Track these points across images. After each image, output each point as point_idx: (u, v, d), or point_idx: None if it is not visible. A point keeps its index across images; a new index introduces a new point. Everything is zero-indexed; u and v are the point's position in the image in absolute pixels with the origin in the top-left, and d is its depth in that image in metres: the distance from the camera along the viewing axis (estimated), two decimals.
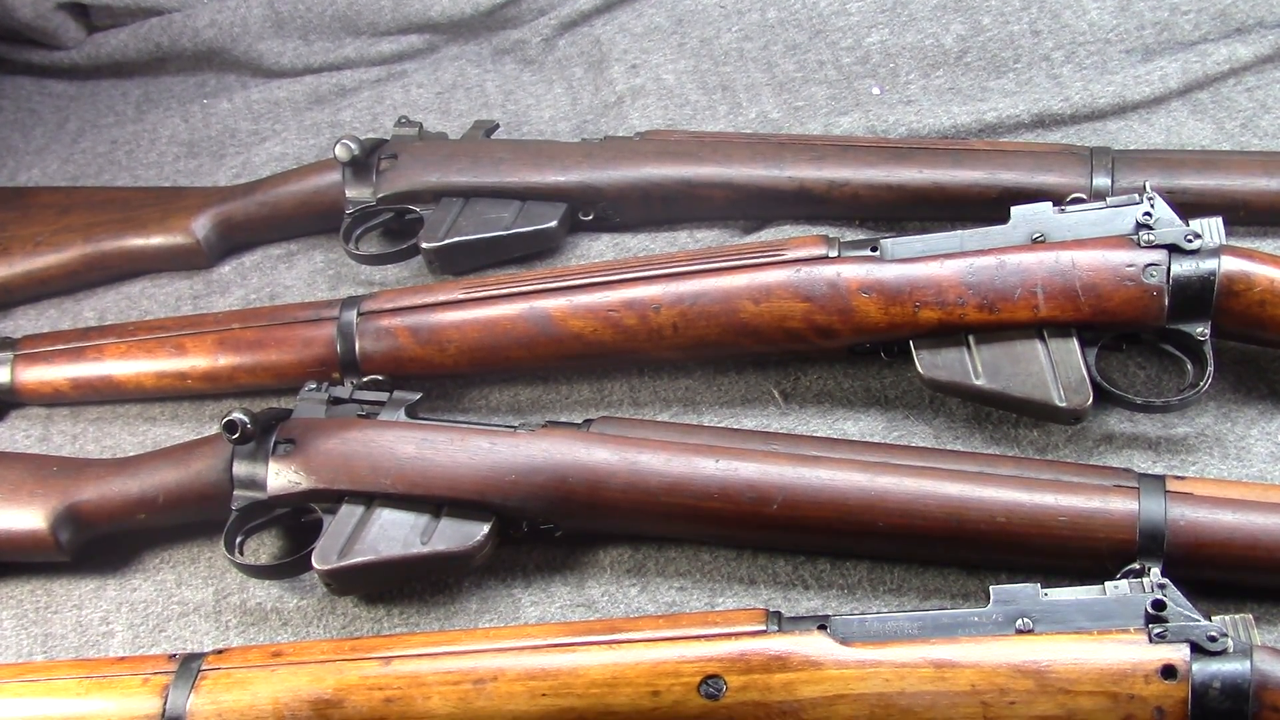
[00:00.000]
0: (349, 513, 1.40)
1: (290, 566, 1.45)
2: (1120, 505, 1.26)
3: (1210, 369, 1.38)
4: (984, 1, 2.00)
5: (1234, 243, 1.41)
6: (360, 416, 1.46)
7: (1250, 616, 1.12)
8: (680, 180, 1.72)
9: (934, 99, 1.92)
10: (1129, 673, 1.09)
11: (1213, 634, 1.10)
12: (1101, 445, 1.45)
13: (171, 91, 2.34)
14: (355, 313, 1.59)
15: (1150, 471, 1.34)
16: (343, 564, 1.37)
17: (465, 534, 1.38)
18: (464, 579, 1.45)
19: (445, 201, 1.77)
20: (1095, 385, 1.39)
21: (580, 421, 1.43)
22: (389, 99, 2.18)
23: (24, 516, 1.49)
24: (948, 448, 1.47)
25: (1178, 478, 1.30)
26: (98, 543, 1.53)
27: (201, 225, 1.87)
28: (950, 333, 1.43)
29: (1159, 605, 1.12)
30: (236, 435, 1.40)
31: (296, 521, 1.48)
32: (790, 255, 1.48)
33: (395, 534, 1.38)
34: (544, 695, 1.18)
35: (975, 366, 1.42)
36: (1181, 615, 1.11)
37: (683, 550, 1.44)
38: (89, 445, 1.71)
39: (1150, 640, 1.10)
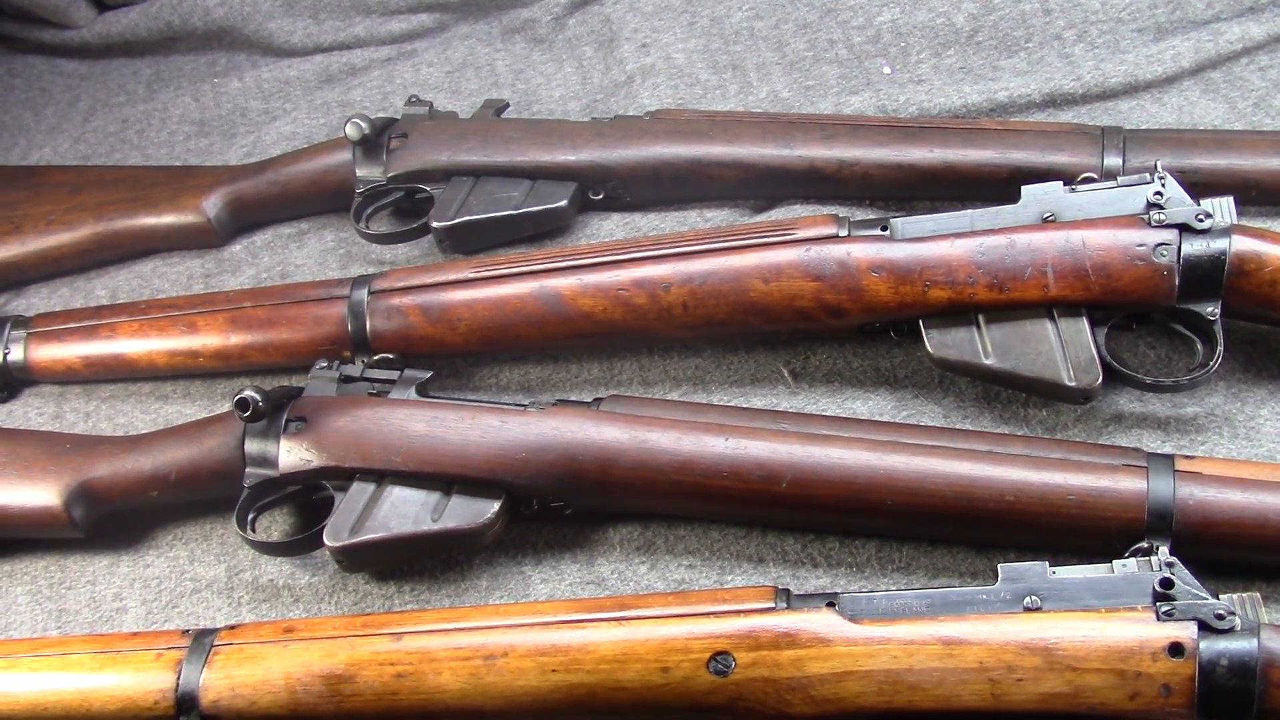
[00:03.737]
0: (360, 490, 1.41)
1: (302, 543, 1.45)
2: (1129, 484, 1.27)
3: (1220, 349, 1.38)
4: None
5: (1245, 222, 1.40)
6: (371, 395, 1.47)
7: (1258, 595, 1.13)
8: (690, 159, 1.72)
9: (945, 78, 1.92)
10: (1136, 650, 1.10)
11: (1220, 612, 1.10)
12: (1111, 425, 1.46)
13: (182, 70, 2.34)
14: (366, 291, 1.59)
15: (1159, 451, 1.34)
16: (354, 541, 1.38)
17: (476, 511, 1.39)
18: (474, 556, 1.46)
19: (455, 180, 1.77)
20: (1105, 365, 1.39)
21: (590, 400, 1.43)
22: (399, 78, 2.18)
23: (38, 493, 1.50)
24: (957, 427, 1.47)
25: (1186, 457, 1.30)
26: (111, 519, 1.54)
27: (213, 204, 1.88)
28: (960, 312, 1.43)
29: (1167, 583, 1.13)
30: (248, 413, 1.41)
31: (308, 499, 1.49)
32: (800, 234, 1.48)
33: (406, 511, 1.39)
34: (554, 671, 1.19)
35: (985, 346, 1.42)
36: (1189, 593, 1.12)
37: (692, 528, 1.45)
38: (102, 423, 1.72)
39: (1158, 618, 1.11)
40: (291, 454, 1.43)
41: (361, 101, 2.15)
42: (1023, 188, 1.45)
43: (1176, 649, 1.09)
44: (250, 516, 1.46)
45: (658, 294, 1.50)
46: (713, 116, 1.77)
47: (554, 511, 1.43)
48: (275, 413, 1.45)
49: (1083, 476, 1.28)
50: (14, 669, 1.30)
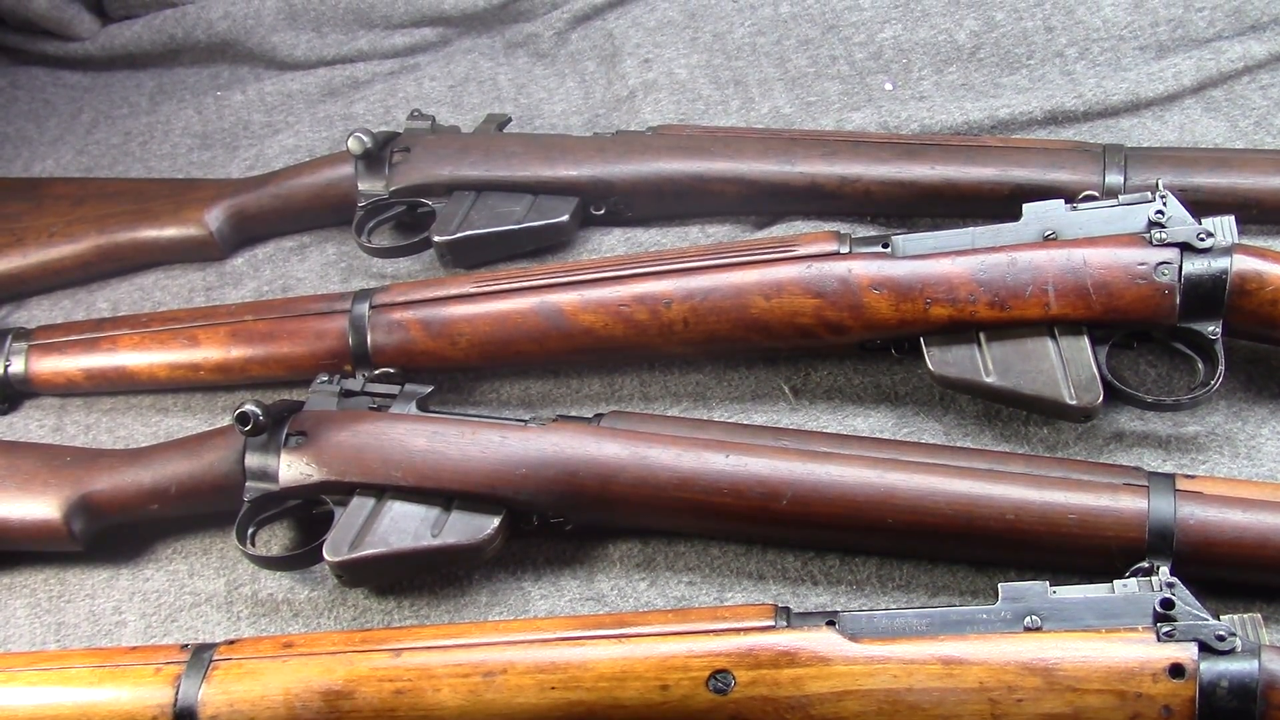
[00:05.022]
0: (360, 505, 1.41)
1: (302, 558, 1.45)
2: (1130, 503, 1.26)
3: (1221, 368, 1.38)
4: None
5: (1246, 241, 1.40)
6: (372, 409, 1.47)
7: (1259, 616, 1.13)
8: (692, 175, 1.72)
9: (947, 95, 1.92)
10: (1137, 671, 1.10)
11: (1221, 633, 1.10)
12: (1111, 443, 1.45)
13: (185, 83, 2.35)
14: (367, 306, 1.59)
15: (1160, 470, 1.34)
16: (354, 556, 1.38)
17: (475, 527, 1.39)
18: (474, 572, 1.46)
19: (457, 195, 1.77)
20: (1106, 383, 1.39)
21: (591, 416, 1.43)
22: (402, 92, 2.18)
23: (38, 506, 1.50)
24: (958, 445, 1.47)
25: (1188, 476, 1.30)
26: (110, 533, 1.54)
27: (214, 217, 1.88)
28: (961, 330, 1.43)
29: (1167, 604, 1.12)
30: (249, 427, 1.41)
31: (308, 513, 1.49)
32: (801, 251, 1.48)
33: (406, 526, 1.39)
34: (553, 688, 1.19)
35: (986, 364, 1.42)
36: (1190, 614, 1.12)
37: (692, 545, 1.45)
38: (102, 436, 1.71)
39: (1158, 639, 1.11)
40: (292, 468, 1.43)
41: (364, 115, 2.15)
42: (1024, 205, 1.45)
43: (1177, 670, 1.09)
44: (250, 530, 1.46)
45: (659, 310, 1.50)
46: (714, 132, 1.77)
47: (554, 527, 1.42)
48: (276, 427, 1.45)
49: (1083, 495, 1.28)
50: (12, 683, 1.29)
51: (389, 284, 1.68)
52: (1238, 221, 1.40)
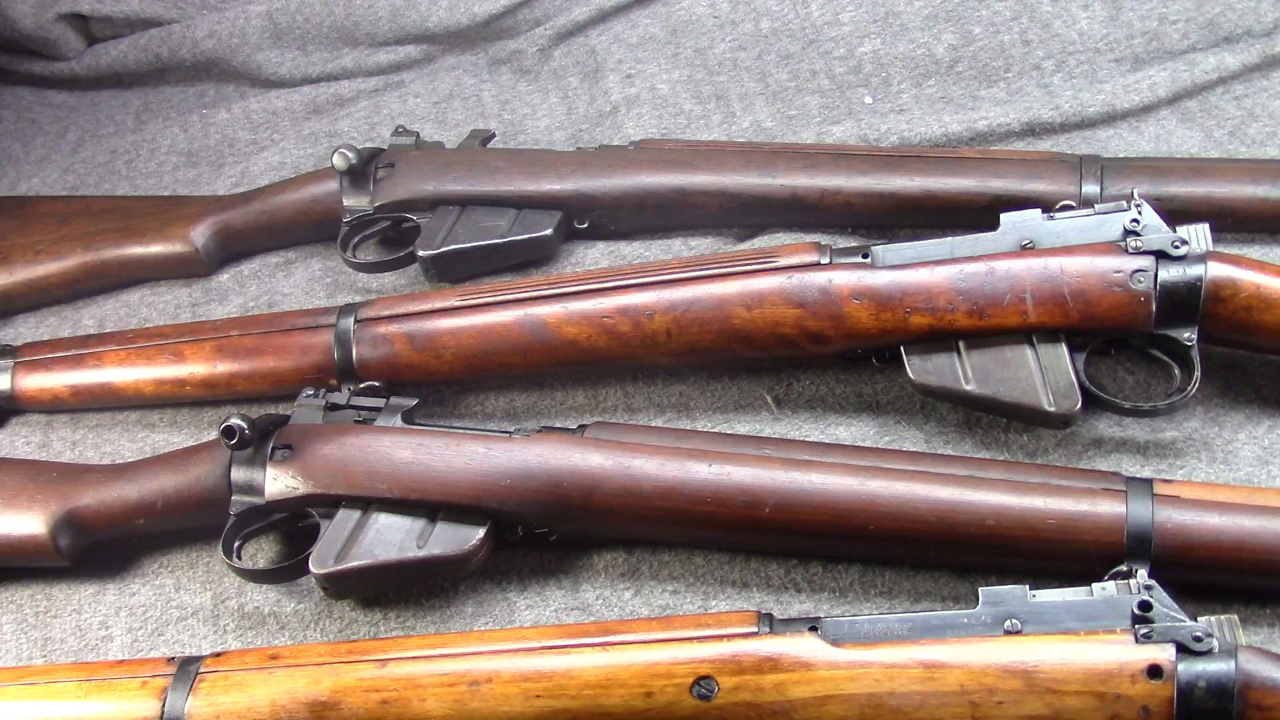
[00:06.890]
0: (346, 517, 1.41)
1: (288, 571, 1.46)
2: (1108, 508, 1.28)
3: (1197, 374, 1.39)
4: (975, 12, 2.02)
5: (1221, 249, 1.42)
6: (357, 422, 1.47)
7: (1236, 617, 1.13)
8: (674, 189, 1.74)
9: (925, 108, 1.94)
10: (1115, 673, 1.10)
11: (1198, 634, 1.11)
12: (1090, 449, 1.47)
13: (170, 102, 2.36)
14: (352, 320, 1.60)
15: (1138, 475, 1.35)
16: (339, 568, 1.38)
17: (461, 538, 1.39)
18: (460, 583, 1.46)
19: (442, 210, 1.78)
20: (1084, 390, 1.40)
21: (575, 427, 1.44)
22: (386, 109, 2.19)
23: (24, 522, 1.50)
24: (938, 452, 1.48)
25: (1165, 481, 1.31)
26: (97, 548, 1.54)
27: (200, 234, 1.88)
28: (941, 338, 1.44)
29: (1145, 606, 1.13)
30: (234, 441, 1.41)
31: (294, 526, 1.49)
32: (783, 262, 1.49)
33: (391, 538, 1.39)
34: (538, 697, 1.19)
35: (965, 372, 1.43)
36: (1167, 616, 1.13)
37: (676, 554, 1.45)
38: (88, 451, 1.72)
39: (1136, 641, 1.11)
40: (278, 481, 1.43)
41: (349, 132, 2.16)
42: (1002, 215, 1.46)
43: (1155, 671, 1.10)
44: (236, 544, 1.46)
45: (642, 321, 1.51)
46: (696, 146, 1.78)
47: (539, 537, 1.43)
48: (261, 440, 1.45)
49: (1062, 500, 1.29)
50: None
51: (374, 298, 1.68)
52: (1212, 229, 1.41)
